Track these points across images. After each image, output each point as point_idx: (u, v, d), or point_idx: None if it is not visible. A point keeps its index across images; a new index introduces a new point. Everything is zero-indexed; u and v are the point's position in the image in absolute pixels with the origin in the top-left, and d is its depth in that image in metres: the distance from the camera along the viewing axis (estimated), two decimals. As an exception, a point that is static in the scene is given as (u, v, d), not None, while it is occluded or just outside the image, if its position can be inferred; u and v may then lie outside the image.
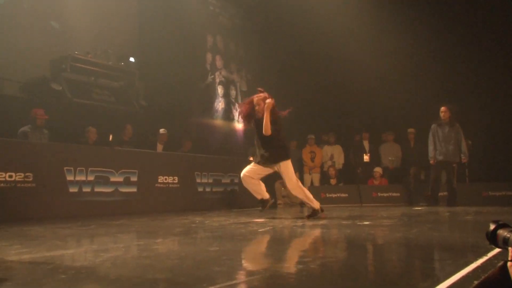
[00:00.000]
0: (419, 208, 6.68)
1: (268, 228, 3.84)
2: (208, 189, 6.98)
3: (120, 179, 5.60)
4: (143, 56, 8.79)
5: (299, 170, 9.67)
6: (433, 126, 7.29)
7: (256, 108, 4.82)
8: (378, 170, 8.70)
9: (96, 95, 7.32)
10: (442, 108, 7.20)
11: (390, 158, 9.03)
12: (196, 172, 6.81)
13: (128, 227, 3.92)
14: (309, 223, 4.32)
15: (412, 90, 9.89)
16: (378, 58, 9.87)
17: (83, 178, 5.20)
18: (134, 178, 5.76)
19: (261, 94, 4.79)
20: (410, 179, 8.55)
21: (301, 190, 4.83)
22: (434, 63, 9.75)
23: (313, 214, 4.74)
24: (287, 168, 4.76)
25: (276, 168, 4.79)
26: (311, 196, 4.85)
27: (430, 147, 7.26)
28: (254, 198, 5.18)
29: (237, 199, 7.23)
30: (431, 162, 7.27)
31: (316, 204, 4.79)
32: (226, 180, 7.33)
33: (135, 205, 5.71)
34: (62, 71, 6.97)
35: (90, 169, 5.27)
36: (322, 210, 4.81)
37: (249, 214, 5.56)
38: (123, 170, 5.65)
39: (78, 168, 5.16)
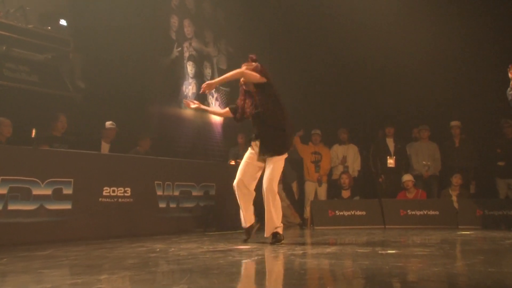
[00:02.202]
0: (468, 233, 6.74)
1: (256, 257, 3.83)
2: (173, 205, 6.93)
3: (48, 191, 5.50)
4: (79, 17, 8.67)
5: (298, 178, 9.69)
6: None
7: (242, 80, 5.08)
8: (408, 178, 8.70)
9: (9, 72, 7.18)
10: None
11: (424, 162, 9.09)
12: (156, 182, 6.76)
13: (59, 260, 3.86)
14: (312, 251, 4.30)
15: (456, 68, 9.99)
16: (409, 27, 9.95)
17: (-9, 191, 5.10)
18: (68, 190, 5.68)
19: (253, 64, 5.07)
20: (453, 192, 8.61)
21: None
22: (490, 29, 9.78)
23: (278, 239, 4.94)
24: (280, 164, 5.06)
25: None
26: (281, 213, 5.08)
27: None
28: (237, 217, 5.20)
29: (214, 219, 7.20)
30: None
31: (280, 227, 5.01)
32: (198, 193, 7.29)
33: (69, 229, 5.62)
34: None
35: (1, 178, 5.15)
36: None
37: (230, 239, 5.55)
38: (52, 179, 5.55)
39: (-16, 177, 5.06)
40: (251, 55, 5.18)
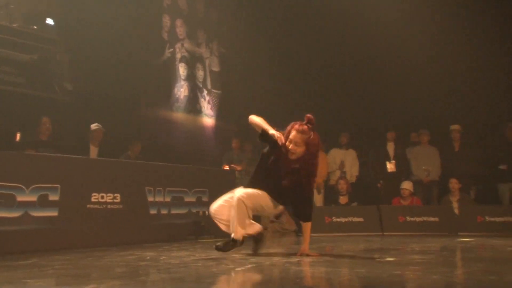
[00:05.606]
0: (468, 240, 6.76)
1: (249, 266, 3.83)
2: (164, 211, 6.92)
3: (33, 198, 5.45)
4: (67, 16, 8.66)
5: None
6: None
7: (291, 147, 4.40)
8: (407, 186, 8.70)
9: (-8, 73, 7.17)
10: None
11: (424, 167, 9.09)
12: (147, 187, 6.74)
13: (44, 269, 3.84)
14: (307, 259, 4.31)
15: (456, 71, 10.03)
16: (411, 30, 10.01)
17: (-27, 197, 5.07)
18: (54, 197, 5.64)
19: (305, 128, 4.44)
20: (453, 198, 8.62)
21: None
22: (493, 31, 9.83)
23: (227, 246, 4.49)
24: None
25: None
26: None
27: None
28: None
29: (207, 226, 7.18)
30: None
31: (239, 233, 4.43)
32: (190, 199, 7.28)
33: (55, 237, 5.58)
34: None
35: (-15, 184, 5.14)
36: (241, 243, 4.47)
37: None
38: (38, 185, 5.51)
39: (-34, 183, 5.04)
40: (309, 116, 4.50)
